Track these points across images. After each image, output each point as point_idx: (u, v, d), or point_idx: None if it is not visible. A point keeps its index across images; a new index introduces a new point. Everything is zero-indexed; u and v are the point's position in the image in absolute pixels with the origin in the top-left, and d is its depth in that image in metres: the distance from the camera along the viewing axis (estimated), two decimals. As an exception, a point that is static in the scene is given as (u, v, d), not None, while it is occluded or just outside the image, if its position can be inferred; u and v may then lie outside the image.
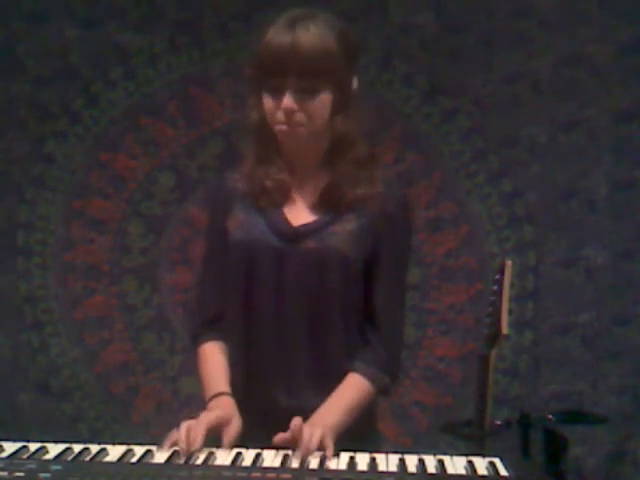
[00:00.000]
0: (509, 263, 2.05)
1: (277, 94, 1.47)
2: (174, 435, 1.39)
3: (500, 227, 3.20)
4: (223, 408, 1.50)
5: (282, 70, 1.44)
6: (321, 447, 1.36)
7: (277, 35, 1.45)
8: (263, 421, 1.46)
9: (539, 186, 3.16)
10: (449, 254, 3.21)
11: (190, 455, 1.33)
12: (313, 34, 1.45)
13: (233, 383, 1.58)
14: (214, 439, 1.42)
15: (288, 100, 1.45)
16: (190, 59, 3.25)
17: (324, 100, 1.48)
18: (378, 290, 1.59)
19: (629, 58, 3.08)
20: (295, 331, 1.55)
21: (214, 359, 1.61)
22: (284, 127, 1.49)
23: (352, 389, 1.55)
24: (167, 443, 1.37)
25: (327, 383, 1.56)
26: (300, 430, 1.37)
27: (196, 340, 1.66)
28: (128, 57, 3.25)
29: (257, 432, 1.42)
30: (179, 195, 3.28)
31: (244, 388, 1.57)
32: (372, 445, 1.43)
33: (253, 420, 1.49)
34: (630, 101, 3.10)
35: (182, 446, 1.35)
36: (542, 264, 3.18)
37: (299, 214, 1.56)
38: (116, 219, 3.31)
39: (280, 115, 1.47)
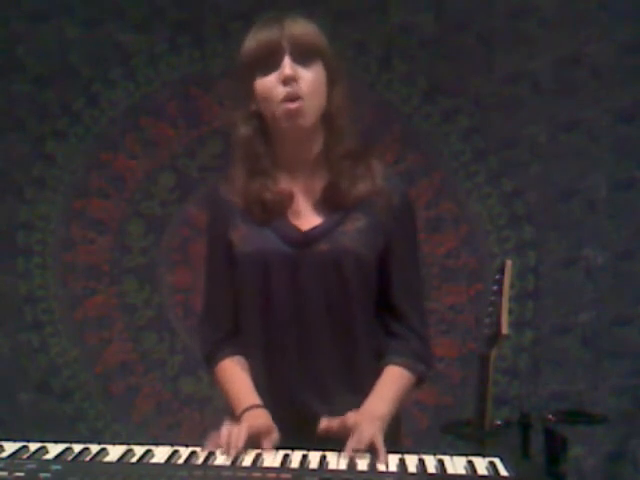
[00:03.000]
0: (509, 263, 2.05)
1: (274, 68, 1.47)
2: (215, 437, 1.38)
3: (500, 227, 3.20)
4: (262, 419, 1.48)
5: (276, 46, 1.46)
6: (371, 447, 1.36)
7: (265, 27, 1.48)
8: (293, 429, 1.45)
9: (539, 186, 3.16)
10: (449, 254, 3.21)
11: (234, 456, 1.33)
12: (301, 21, 1.49)
13: (257, 395, 1.56)
14: (252, 448, 1.40)
15: (288, 67, 1.45)
16: (190, 59, 3.25)
17: (318, 71, 1.49)
18: (397, 283, 1.59)
19: (629, 58, 3.08)
20: (318, 335, 1.54)
21: (237, 374, 1.58)
22: (286, 105, 1.46)
23: (394, 380, 1.55)
24: (208, 445, 1.37)
25: (358, 383, 1.56)
26: (354, 423, 1.38)
27: (212, 359, 1.62)
28: (128, 57, 3.25)
29: (286, 441, 1.42)
30: (179, 195, 3.28)
31: (270, 398, 1.55)
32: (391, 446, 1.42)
33: (282, 429, 1.47)
34: (630, 101, 3.10)
35: (224, 447, 1.35)
36: (542, 264, 3.18)
37: (305, 218, 1.54)
38: (116, 219, 3.31)
39: (280, 90, 1.46)
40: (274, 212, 1.53)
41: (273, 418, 1.49)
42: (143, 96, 3.27)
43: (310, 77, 1.47)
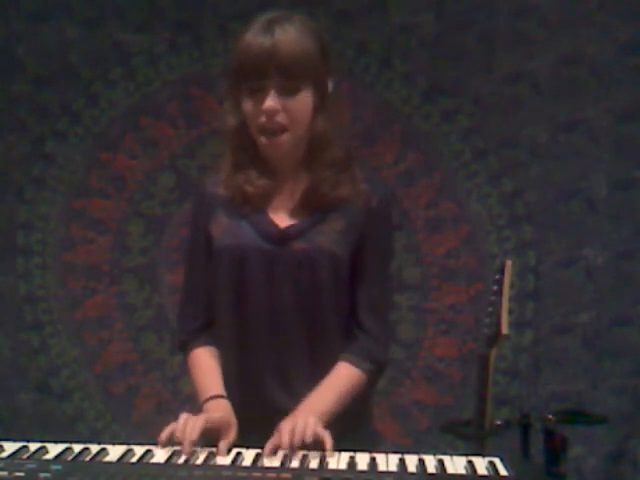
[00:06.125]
0: (509, 263, 2.05)
1: (259, 96, 1.46)
2: (172, 426, 1.39)
3: (500, 227, 3.20)
4: (222, 411, 1.49)
5: (263, 71, 1.44)
6: (316, 437, 1.36)
7: (255, 38, 1.45)
8: (262, 426, 1.44)
9: (539, 186, 3.16)
10: (449, 254, 3.21)
11: (188, 449, 1.33)
12: (291, 34, 1.45)
13: (227, 389, 1.57)
14: (210, 441, 1.41)
15: (271, 100, 1.45)
16: (190, 59, 3.25)
17: (305, 99, 1.49)
18: (361, 284, 1.59)
19: (629, 58, 3.08)
20: (290, 332, 1.55)
21: (206, 362, 1.60)
22: (267, 139, 1.48)
23: (336, 376, 1.55)
24: (164, 434, 1.38)
25: None
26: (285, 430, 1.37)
27: (185, 348, 1.65)
28: (128, 57, 3.25)
29: (255, 437, 1.40)
30: (179, 195, 3.28)
31: (240, 393, 1.56)
32: (369, 445, 1.43)
33: (251, 425, 1.47)
34: (630, 101, 3.10)
35: (178, 435, 1.35)
36: (542, 264, 3.17)
37: (284, 216, 1.56)
38: (116, 219, 3.31)
39: (262, 118, 1.47)
40: (254, 206, 1.55)
41: (240, 411, 1.50)
42: (143, 96, 3.27)
43: (295, 107, 1.47)
